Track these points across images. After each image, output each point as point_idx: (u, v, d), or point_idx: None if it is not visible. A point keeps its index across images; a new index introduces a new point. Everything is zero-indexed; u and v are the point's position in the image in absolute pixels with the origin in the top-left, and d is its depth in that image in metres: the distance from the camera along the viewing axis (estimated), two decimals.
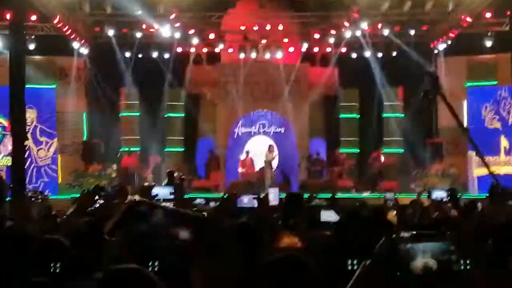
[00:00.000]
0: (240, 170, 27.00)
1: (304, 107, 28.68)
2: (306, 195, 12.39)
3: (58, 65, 27.31)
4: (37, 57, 25.57)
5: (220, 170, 27.43)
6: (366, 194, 23.71)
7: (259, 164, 26.87)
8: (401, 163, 27.99)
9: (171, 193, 13.44)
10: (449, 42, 26.97)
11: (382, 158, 27.17)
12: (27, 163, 24.81)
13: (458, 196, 12.72)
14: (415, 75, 27.26)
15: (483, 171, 24.35)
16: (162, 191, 13.54)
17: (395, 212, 12.42)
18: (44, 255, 5.36)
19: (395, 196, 16.66)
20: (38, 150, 26.50)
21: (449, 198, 12.12)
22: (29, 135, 25.82)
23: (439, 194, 13.43)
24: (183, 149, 28.87)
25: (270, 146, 27.08)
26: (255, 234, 5.68)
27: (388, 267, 2.77)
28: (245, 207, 11.99)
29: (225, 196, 13.33)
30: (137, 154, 27.63)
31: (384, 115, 28.87)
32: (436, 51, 28.14)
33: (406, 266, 2.75)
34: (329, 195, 16.77)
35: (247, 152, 27.51)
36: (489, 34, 25.91)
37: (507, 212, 9.44)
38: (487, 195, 11.12)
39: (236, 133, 28.54)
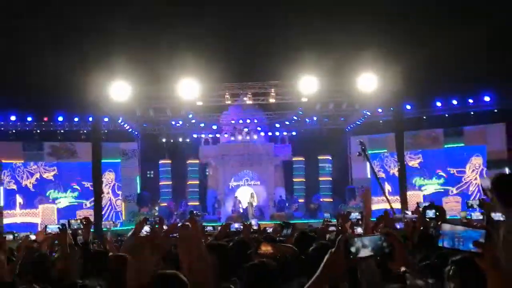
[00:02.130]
0: (233, 208, 26.84)
1: (271, 168, 28.78)
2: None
3: (121, 148, 27.49)
4: (108, 143, 25.63)
5: (221, 208, 27.34)
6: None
7: (245, 204, 26.68)
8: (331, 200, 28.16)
9: None
10: (356, 127, 27.47)
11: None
12: (108, 208, 25.31)
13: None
14: (337, 148, 27.78)
15: (378, 207, 24.65)
16: None
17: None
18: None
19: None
20: (116, 200, 26.83)
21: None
22: (110, 190, 26.23)
23: (354, 215, 13.31)
24: (198, 196, 28.88)
25: (251, 193, 27.09)
26: (246, 244, 5.92)
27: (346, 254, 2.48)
28: (235, 230, 12.22)
29: (223, 224, 13.41)
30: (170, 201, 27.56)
31: (320, 171, 29.03)
32: (349, 132, 28.52)
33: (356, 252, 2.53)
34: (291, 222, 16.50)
35: (236, 197, 27.35)
36: (380, 122, 26.37)
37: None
38: None
39: (230, 186, 28.58)
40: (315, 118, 27.65)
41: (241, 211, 26.20)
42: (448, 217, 10.77)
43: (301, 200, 28.11)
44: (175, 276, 3.08)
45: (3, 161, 26.23)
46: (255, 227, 13.42)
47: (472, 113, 25.92)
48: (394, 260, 2.77)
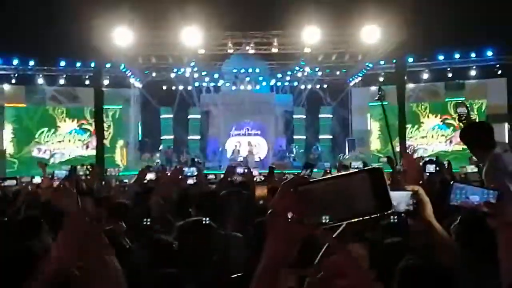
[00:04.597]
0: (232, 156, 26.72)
1: (271, 118, 28.79)
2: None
3: (122, 94, 27.31)
4: (110, 89, 25.40)
5: (222, 156, 27.16)
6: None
7: (244, 153, 26.70)
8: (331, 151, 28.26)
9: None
10: (359, 79, 27.25)
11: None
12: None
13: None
14: (338, 99, 27.70)
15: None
16: (190, 170, 13.38)
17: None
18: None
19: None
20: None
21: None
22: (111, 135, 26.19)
23: (355, 164, 13.31)
24: (199, 144, 28.87)
25: (249, 142, 27.16)
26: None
27: None
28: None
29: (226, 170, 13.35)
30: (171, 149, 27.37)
31: (321, 122, 29.06)
32: (351, 84, 28.40)
33: None
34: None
35: (236, 146, 27.39)
36: (382, 73, 26.21)
37: None
38: None
39: (230, 134, 28.52)
40: (317, 69, 27.39)
41: (241, 159, 26.11)
42: None
43: (301, 150, 28.06)
44: (200, 221, 2.94)
45: (6, 105, 26.13)
46: (256, 174, 13.47)
47: (474, 67, 25.87)
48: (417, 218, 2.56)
